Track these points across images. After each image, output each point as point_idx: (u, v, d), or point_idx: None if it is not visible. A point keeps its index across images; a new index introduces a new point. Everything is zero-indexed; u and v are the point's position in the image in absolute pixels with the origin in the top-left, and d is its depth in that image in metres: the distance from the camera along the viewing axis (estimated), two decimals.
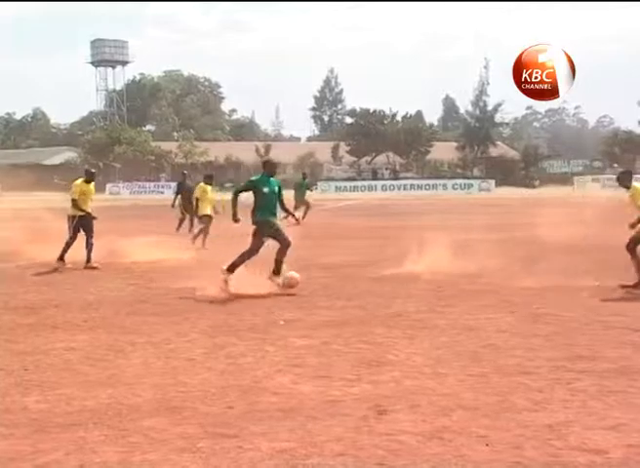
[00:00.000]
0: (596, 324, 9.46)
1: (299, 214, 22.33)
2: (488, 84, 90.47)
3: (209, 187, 20.71)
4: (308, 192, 31.02)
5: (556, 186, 68.75)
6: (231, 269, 12.23)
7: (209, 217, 20.23)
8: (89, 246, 15.76)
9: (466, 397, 6.48)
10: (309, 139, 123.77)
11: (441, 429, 5.69)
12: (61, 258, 15.75)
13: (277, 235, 12.40)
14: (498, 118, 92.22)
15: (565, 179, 75.33)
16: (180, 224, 23.57)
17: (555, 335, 8.86)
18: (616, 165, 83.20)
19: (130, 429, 5.79)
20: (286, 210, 13.43)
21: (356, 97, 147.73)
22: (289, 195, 17.20)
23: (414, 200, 53.17)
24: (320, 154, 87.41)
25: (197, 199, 20.59)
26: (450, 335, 8.96)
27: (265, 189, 12.53)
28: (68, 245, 15.79)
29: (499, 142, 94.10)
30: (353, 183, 77.81)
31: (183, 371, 7.46)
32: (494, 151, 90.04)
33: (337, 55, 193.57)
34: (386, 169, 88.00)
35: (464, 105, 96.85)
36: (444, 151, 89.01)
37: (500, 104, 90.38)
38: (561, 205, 33.84)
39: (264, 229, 12.35)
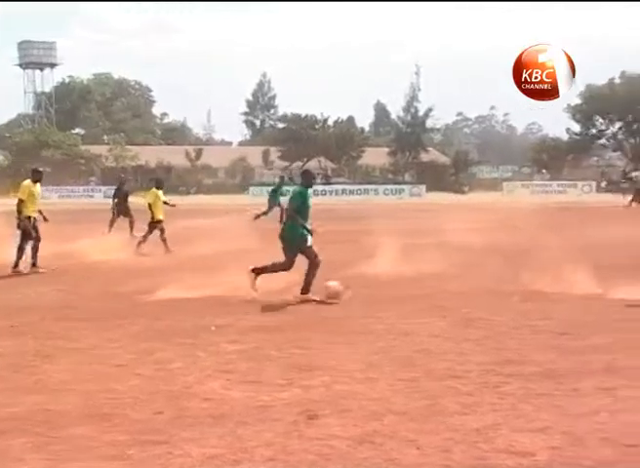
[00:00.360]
0: (525, 328, 9.61)
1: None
2: (419, 90, 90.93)
3: (160, 192, 20.37)
4: (282, 197, 31.28)
5: (485, 192, 69.48)
6: (258, 272, 11.83)
7: (160, 223, 19.85)
8: (21, 250, 15.47)
9: (397, 401, 6.53)
10: (241, 144, 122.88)
11: (371, 433, 5.72)
12: (34, 265, 15.57)
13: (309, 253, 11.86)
14: (429, 124, 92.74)
15: (494, 185, 76.02)
16: (110, 226, 23.45)
17: (485, 340, 8.97)
18: (544, 171, 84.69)
19: (58, 437, 5.71)
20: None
21: (289, 102, 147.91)
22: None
23: (346, 205, 53.35)
24: (252, 159, 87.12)
25: (150, 204, 20.11)
26: (386, 340, 9.00)
27: (310, 202, 12.10)
28: (36, 248, 15.59)
29: (430, 148, 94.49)
30: (286, 188, 77.68)
31: (112, 378, 7.37)
32: (425, 157, 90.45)
33: (269, 58, 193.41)
34: (318, 174, 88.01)
35: (396, 111, 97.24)
36: (375, 156, 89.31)
37: (430, 110, 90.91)
38: (491, 210, 34.20)
39: (301, 244, 11.80)
